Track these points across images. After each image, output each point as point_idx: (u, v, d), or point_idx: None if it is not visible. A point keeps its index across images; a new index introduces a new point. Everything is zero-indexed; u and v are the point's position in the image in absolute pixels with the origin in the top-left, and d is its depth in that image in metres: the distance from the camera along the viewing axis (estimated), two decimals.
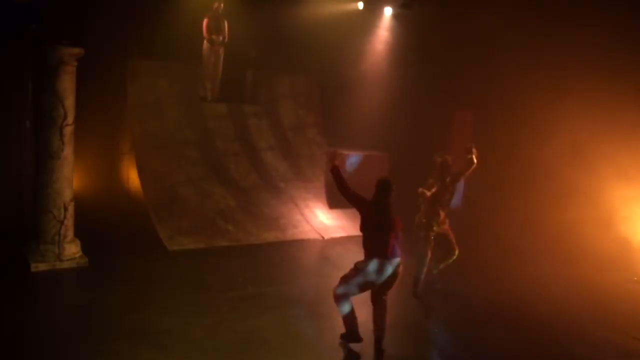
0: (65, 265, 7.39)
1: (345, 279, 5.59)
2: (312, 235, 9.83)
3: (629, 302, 7.81)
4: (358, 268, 5.57)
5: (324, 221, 10.29)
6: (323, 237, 9.78)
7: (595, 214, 9.43)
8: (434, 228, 7.18)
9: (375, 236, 5.53)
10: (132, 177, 10.11)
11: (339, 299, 5.58)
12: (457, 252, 7.38)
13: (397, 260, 5.53)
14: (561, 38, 9.67)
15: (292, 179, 10.97)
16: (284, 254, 8.87)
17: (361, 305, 5.74)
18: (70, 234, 7.59)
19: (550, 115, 9.86)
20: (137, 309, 6.29)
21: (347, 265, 5.72)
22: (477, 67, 11.13)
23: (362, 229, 5.63)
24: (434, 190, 7.21)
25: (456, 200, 12.39)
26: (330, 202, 10.84)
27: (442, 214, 7.24)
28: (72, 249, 7.54)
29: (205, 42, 11.03)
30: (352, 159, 12.41)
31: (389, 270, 5.49)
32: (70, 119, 7.39)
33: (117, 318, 6.04)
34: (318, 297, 7.07)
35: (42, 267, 7.26)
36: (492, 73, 10.63)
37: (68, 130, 7.39)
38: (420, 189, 7.32)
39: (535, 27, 10.16)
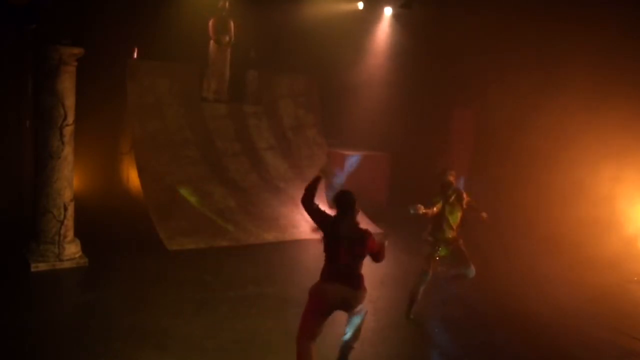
0: (65, 265, 7.39)
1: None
2: (312, 235, 9.81)
3: (629, 302, 7.80)
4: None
5: None
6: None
7: (596, 214, 9.42)
8: (441, 249, 6.60)
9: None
10: (132, 177, 10.11)
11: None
12: (472, 268, 6.67)
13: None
14: (561, 37, 9.67)
15: (292, 179, 10.94)
16: (284, 254, 8.86)
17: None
18: (70, 234, 7.58)
19: (551, 114, 9.86)
20: (137, 309, 6.29)
21: None
22: (477, 66, 11.12)
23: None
24: (437, 207, 6.51)
25: None
26: (330, 202, 10.81)
27: (452, 234, 6.63)
28: (72, 249, 7.54)
29: (212, 42, 11.04)
30: (352, 159, 12.41)
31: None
32: (70, 119, 7.38)
33: (117, 318, 6.04)
34: None
35: (42, 267, 7.25)
36: (493, 72, 10.63)
37: (68, 130, 7.38)
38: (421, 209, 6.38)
39: (535, 26, 10.17)
